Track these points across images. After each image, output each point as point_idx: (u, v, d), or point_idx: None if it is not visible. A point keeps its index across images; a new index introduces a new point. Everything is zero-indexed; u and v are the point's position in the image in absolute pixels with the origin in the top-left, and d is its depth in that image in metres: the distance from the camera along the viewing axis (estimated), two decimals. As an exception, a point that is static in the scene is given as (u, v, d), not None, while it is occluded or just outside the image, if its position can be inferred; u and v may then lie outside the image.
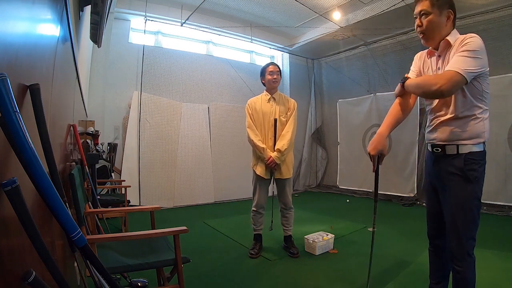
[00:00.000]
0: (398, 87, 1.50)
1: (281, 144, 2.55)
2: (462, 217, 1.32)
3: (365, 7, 4.56)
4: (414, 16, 1.42)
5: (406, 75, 1.52)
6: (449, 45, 1.35)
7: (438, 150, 1.41)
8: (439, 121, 1.40)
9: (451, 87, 1.21)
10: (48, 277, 0.67)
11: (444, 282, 1.55)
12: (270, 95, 2.68)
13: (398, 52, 5.23)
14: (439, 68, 1.39)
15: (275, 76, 2.64)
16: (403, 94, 1.51)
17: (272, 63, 2.71)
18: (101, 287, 0.98)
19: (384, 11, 4.32)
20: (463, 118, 1.32)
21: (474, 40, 1.26)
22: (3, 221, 0.57)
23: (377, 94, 5.56)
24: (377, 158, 1.48)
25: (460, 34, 1.34)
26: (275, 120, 2.59)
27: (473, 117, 1.31)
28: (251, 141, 2.58)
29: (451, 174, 1.35)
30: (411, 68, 1.58)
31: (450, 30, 1.37)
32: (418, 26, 1.38)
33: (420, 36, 1.41)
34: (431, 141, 1.46)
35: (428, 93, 1.33)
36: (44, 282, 0.62)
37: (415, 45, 4.87)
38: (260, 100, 2.69)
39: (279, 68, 2.72)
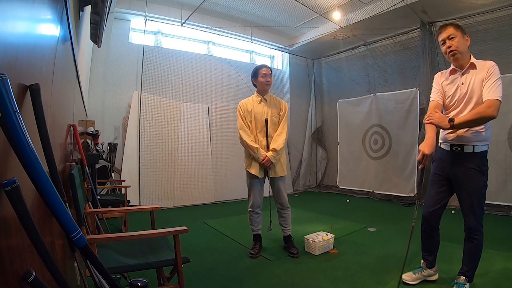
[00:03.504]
0: (444, 123, 1.71)
1: (277, 144, 2.57)
2: (478, 199, 1.75)
3: (365, 7, 4.56)
4: (441, 43, 1.80)
5: (450, 117, 1.78)
6: (473, 67, 1.74)
7: (457, 149, 1.79)
8: None
9: (498, 111, 1.64)
10: (48, 277, 0.67)
11: (434, 255, 1.99)
12: (261, 97, 2.69)
13: (398, 52, 5.23)
14: (462, 83, 1.77)
15: (268, 79, 2.65)
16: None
17: (265, 66, 2.70)
18: (101, 287, 0.98)
19: (384, 11, 4.32)
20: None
21: (496, 69, 1.68)
22: (3, 221, 0.57)
23: (377, 94, 5.56)
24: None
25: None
26: (266, 121, 2.61)
27: (485, 125, 1.72)
28: (243, 142, 2.59)
29: (470, 169, 1.75)
30: (434, 86, 1.93)
31: (469, 54, 1.77)
32: (449, 47, 1.75)
33: (452, 55, 1.76)
34: (449, 142, 1.81)
35: (484, 122, 1.70)
36: (44, 282, 0.62)
37: (415, 45, 4.88)
38: (252, 101, 2.70)
39: (272, 71, 2.72)
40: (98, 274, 0.95)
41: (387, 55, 5.43)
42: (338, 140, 6.34)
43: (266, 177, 2.66)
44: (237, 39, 5.76)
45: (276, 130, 2.65)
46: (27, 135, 0.56)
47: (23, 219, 0.57)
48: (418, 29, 4.71)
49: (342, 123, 6.27)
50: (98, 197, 2.90)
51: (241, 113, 2.65)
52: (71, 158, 2.00)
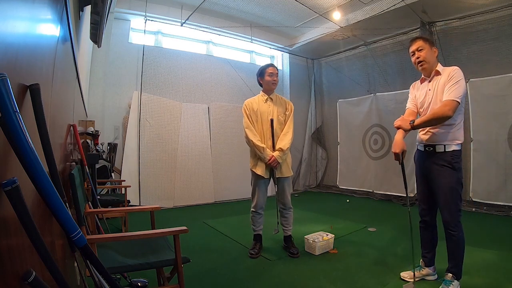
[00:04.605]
0: (406, 125, 1.88)
1: (283, 143, 2.56)
2: (452, 195, 1.82)
3: (365, 7, 4.56)
4: (411, 54, 1.95)
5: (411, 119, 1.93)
6: (438, 74, 1.88)
7: (430, 149, 1.91)
8: (432, 127, 1.86)
9: (453, 111, 1.74)
10: (48, 277, 0.67)
11: (433, 251, 2.06)
12: (267, 96, 2.69)
13: (398, 52, 5.22)
14: (429, 89, 1.92)
15: (274, 78, 2.65)
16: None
17: (272, 65, 2.70)
18: (101, 287, 0.98)
19: (384, 11, 4.32)
20: (449, 125, 1.82)
21: (457, 72, 1.79)
22: (3, 221, 0.57)
23: (377, 94, 5.56)
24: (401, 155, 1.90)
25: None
26: (272, 120, 2.60)
27: (454, 125, 1.82)
28: (249, 141, 2.57)
29: (442, 166, 1.85)
30: (409, 96, 2.10)
31: (437, 63, 1.91)
32: (417, 58, 1.91)
33: (420, 66, 1.91)
34: (423, 142, 1.94)
35: (441, 121, 1.78)
36: (44, 282, 0.62)
37: (415, 45, 4.87)
38: (257, 100, 2.69)
39: (277, 70, 2.72)
40: (98, 274, 0.95)
41: (387, 55, 5.43)
42: (338, 140, 6.34)
43: (271, 178, 2.64)
44: (237, 39, 5.76)
45: (282, 130, 2.64)
46: (27, 135, 0.56)
47: (23, 219, 0.57)
48: (418, 29, 4.71)
49: (342, 123, 6.27)
50: (98, 197, 2.90)
51: (247, 112, 2.64)
52: (71, 158, 2.00)
